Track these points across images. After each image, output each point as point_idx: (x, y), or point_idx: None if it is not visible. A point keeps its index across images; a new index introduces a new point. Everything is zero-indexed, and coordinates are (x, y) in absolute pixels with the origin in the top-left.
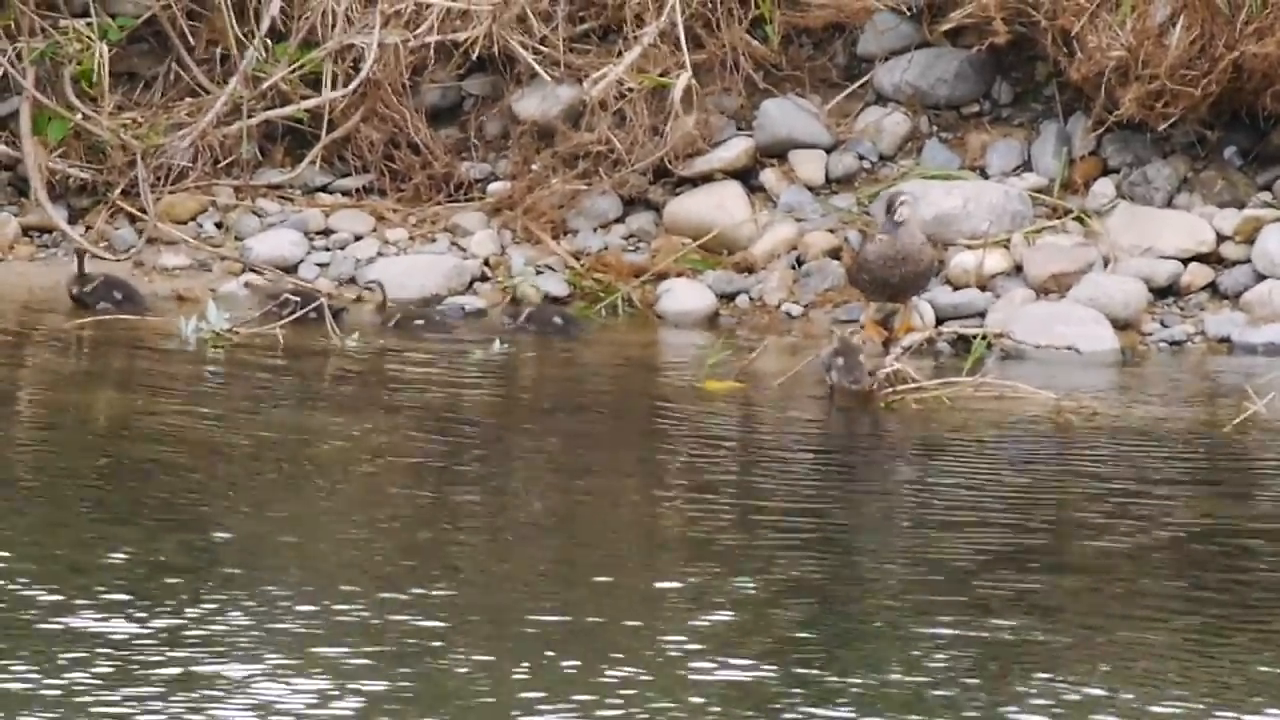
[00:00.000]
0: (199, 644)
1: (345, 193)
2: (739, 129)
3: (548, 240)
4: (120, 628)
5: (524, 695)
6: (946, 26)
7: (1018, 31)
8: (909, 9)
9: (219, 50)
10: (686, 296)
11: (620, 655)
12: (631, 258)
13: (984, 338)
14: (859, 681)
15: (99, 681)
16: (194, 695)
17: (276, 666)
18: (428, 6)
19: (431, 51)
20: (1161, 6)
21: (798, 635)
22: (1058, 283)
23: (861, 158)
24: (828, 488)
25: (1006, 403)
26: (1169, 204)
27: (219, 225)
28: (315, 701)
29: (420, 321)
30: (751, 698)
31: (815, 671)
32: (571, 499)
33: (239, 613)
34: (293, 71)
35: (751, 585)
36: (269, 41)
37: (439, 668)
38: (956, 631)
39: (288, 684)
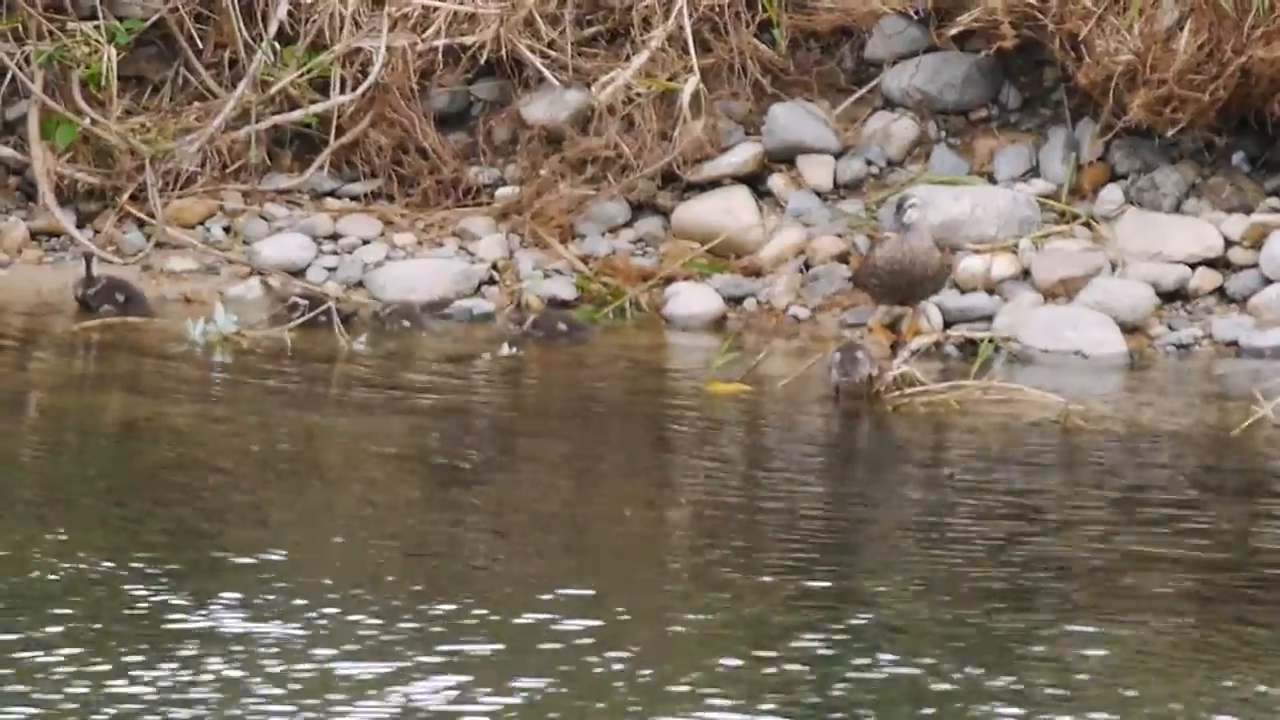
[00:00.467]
0: (335, 643)
1: (353, 197)
2: (747, 134)
3: (556, 245)
4: (260, 629)
5: (677, 693)
6: (954, 31)
7: (1025, 36)
8: (917, 13)
9: (227, 54)
10: (694, 300)
11: (774, 653)
12: (639, 262)
13: (991, 341)
14: (1024, 681)
15: (249, 682)
16: (336, 696)
17: (417, 666)
18: (436, 10)
19: (440, 55)
20: (1169, 11)
21: (953, 633)
22: (1065, 287)
23: (869, 163)
24: (886, 490)
25: (1015, 406)
26: (1177, 209)
27: (227, 230)
28: (459, 700)
29: (406, 323)
30: (913, 698)
31: (976, 671)
32: (661, 503)
33: (369, 613)
34: (301, 75)
35: (884, 585)
36: (277, 45)
37: (588, 666)
38: (1102, 629)
39: (429, 682)
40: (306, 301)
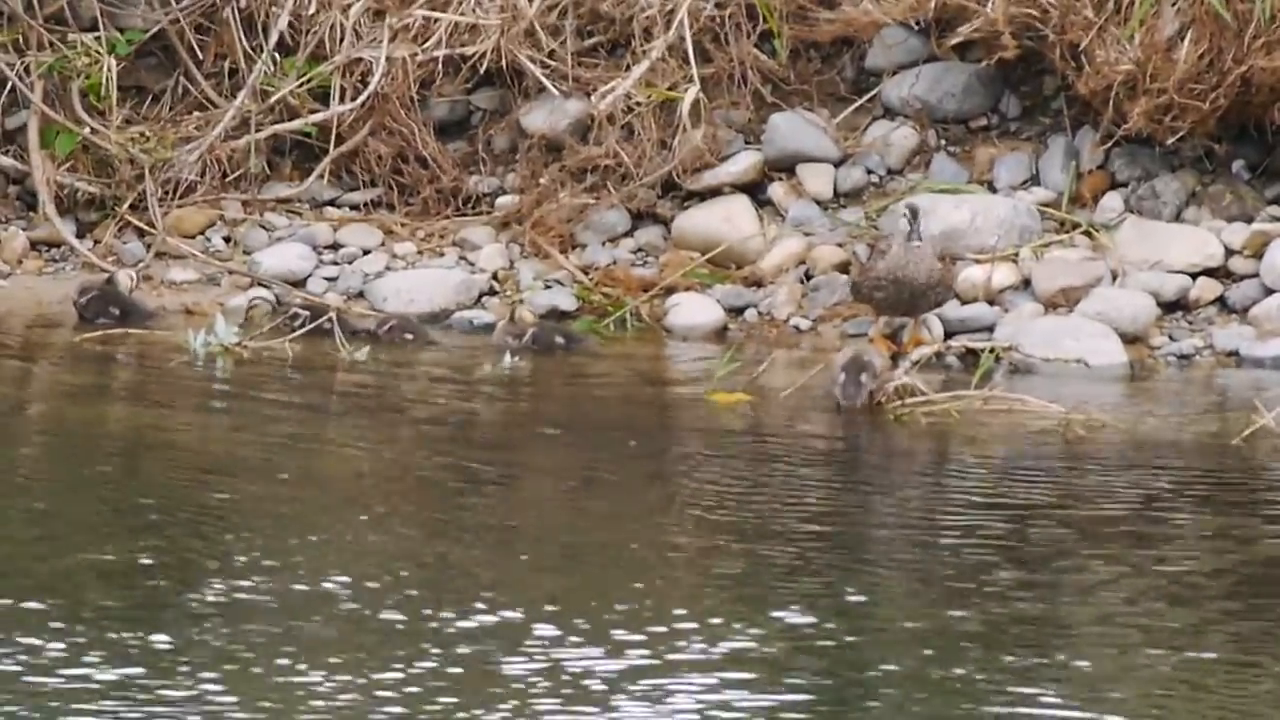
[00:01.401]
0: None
1: (353, 207)
2: (747, 143)
3: (556, 254)
4: (495, 631)
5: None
6: (955, 41)
7: (1026, 46)
8: (917, 23)
9: (227, 64)
10: (695, 310)
11: (1033, 652)
12: (640, 272)
13: (992, 351)
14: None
15: (504, 678)
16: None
17: (634, 667)
18: (436, 20)
19: (440, 65)
20: (1170, 21)
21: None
22: (1066, 297)
23: (870, 172)
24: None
25: (1015, 416)
26: (1177, 218)
27: (227, 239)
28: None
29: (409, 335)
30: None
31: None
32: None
33: (578, 618)
34: (301, 85)
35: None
36: (277, 55)
37: (841, 671)
38: None
39: (647, 686)
40: (307, 312)
